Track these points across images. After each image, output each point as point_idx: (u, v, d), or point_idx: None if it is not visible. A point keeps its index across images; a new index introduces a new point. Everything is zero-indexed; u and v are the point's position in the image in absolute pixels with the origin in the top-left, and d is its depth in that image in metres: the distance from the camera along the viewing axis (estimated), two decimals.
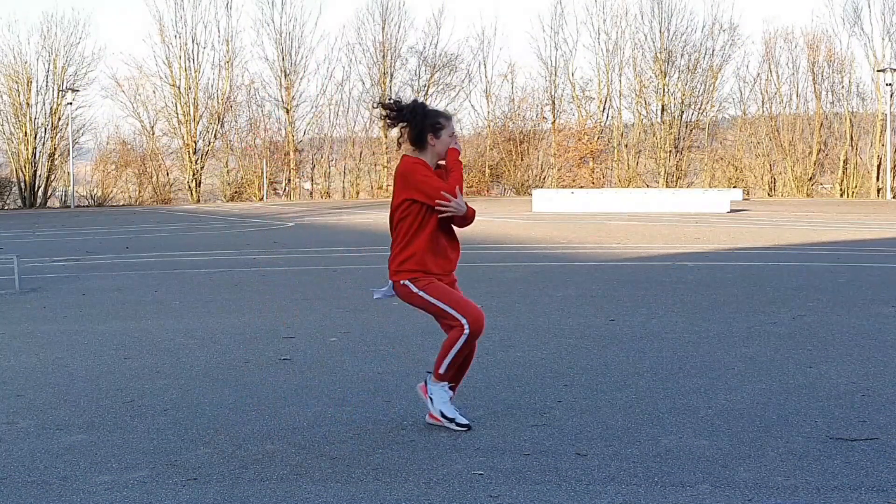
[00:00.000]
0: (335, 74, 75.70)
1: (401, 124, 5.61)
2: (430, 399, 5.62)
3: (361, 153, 54.75)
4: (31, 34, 70.17)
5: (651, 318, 9.48)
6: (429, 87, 54.68)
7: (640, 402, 6.16)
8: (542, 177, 53.74)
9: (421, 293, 5.50)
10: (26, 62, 50.13)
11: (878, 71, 47.66)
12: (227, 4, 53.06)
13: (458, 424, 5.55)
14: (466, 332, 5.45)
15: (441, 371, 5.56)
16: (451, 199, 5.40)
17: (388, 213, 5.64)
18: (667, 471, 4.79)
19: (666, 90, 51.23)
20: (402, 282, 5.53)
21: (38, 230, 28.07)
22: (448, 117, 5.66)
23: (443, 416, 5.56)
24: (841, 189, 48.30)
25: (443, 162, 5.66)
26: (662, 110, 51.99)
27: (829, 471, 4.76)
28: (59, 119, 50.31)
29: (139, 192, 52.00)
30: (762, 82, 50.84)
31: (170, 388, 6.77)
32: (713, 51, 51.49)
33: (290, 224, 28.49)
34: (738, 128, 51.68)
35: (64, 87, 49.74)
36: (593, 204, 33.05)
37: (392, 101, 5.61)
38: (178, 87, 51.98)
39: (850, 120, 48.60)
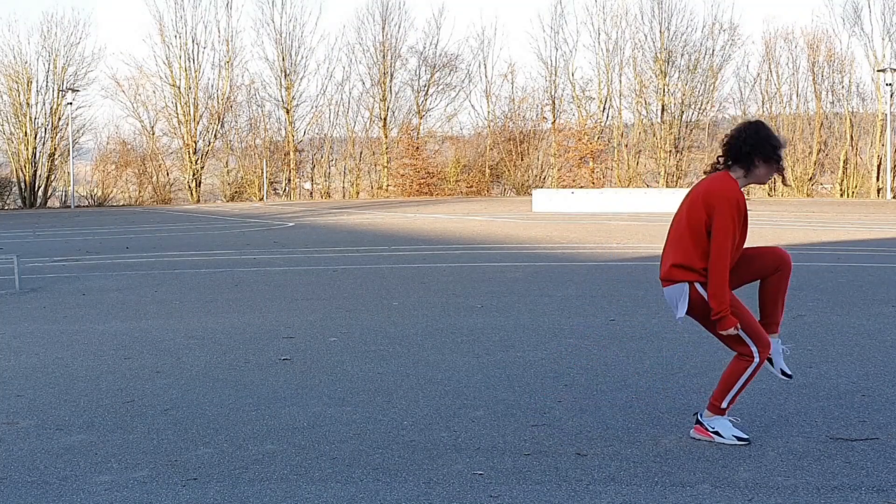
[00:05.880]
0: (335, 74, 75.91)
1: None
2: (718, 435, 5.19)
3: (361, 153, 54.82)
4: (31, 34, 70.29)
5: (651, 318, 9.47)
6: (429, 87, 54.78)
7: (640, 402, 6.16)
8: (542, 177, 53.81)
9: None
10: (26, 62, 50.24)
11: (878, 71, 47.69)
12: (227, 4, 53.19)
13: (738, 439, 5.19)
14: (756, 361, 5.15)
15: (724, 405, 5.20)
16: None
17: (674, 216, 5.23)
18: (667, 471, 4.78)
19: (666, 90, 51.26)
20: (696, 283, 5.12)
21: (38, 230, 28.07)
22: (783, 146, 5.15)
23: (738, 439, 5.17)
24: (841, 189, 48.33)
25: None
26: (662, 110, 52.04)
27: (829, 471, 4.76)
28: (59, 119, 50.36)
29: (139, 192, 52.04)
30: (762, 82, 50.96)
31: (170, 388, 6.77)
32: (713, 51, 51.62)
33: (290, 224, 28.49)
34: None
35: (64, 87, 49.79)
36: (593, 204, 33.05)
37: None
38: (178, 87, 52.02)
39: (850, 120, 48.64)
